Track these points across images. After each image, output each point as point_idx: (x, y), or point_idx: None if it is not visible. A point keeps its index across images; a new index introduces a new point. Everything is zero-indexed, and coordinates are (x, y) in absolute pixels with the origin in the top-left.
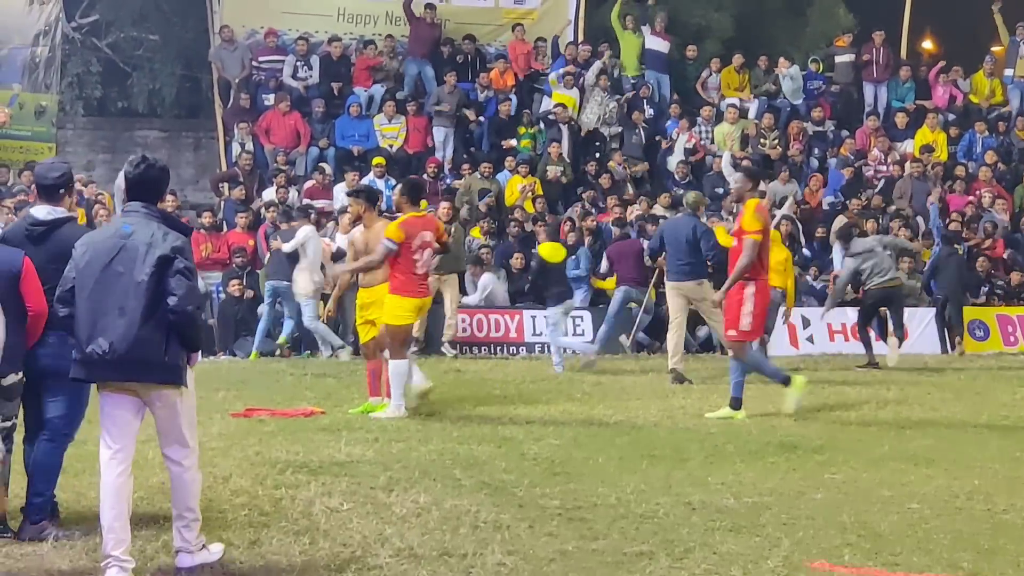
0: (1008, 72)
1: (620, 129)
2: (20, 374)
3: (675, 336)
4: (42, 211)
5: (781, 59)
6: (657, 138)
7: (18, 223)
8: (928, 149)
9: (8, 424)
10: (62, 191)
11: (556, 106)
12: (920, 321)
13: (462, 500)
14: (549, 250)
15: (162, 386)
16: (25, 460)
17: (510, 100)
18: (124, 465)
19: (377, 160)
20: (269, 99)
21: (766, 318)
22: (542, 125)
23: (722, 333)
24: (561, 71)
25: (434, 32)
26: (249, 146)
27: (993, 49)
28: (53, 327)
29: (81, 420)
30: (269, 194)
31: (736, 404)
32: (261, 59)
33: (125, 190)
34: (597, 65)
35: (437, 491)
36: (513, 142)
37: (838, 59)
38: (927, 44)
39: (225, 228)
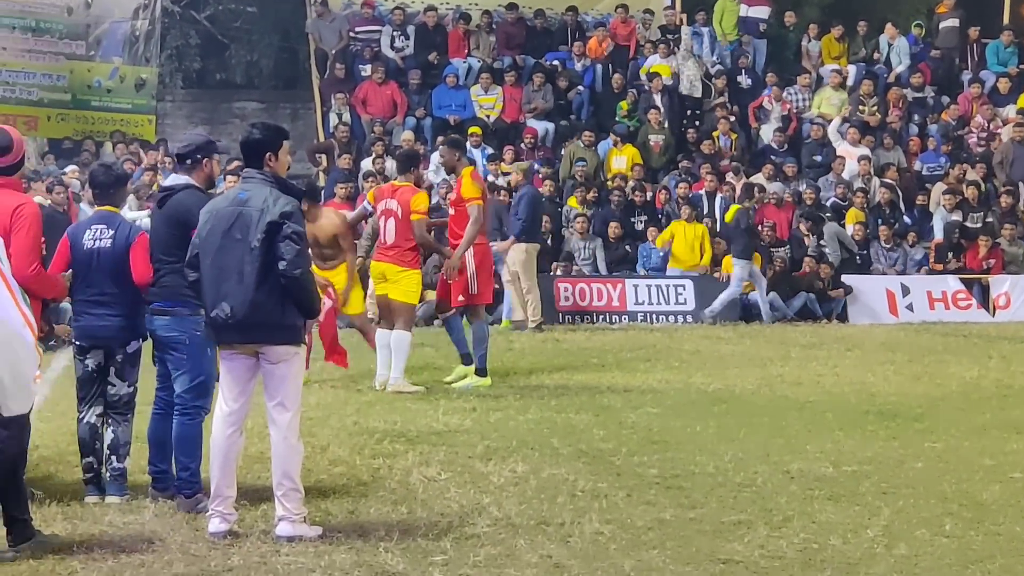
0: None
1: (722, 98)
2: (140, 341)
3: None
4: (170, 178)
5: (889, 26)
6: (752, 106)
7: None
8: None
9: (132, 390)
10: (188, 161)
11: (651, 75)
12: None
13: (560, 469)
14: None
15: (280, 346)
16: (150, 431)
17: (608, 69)
18: (237, 425)
19: (473, 129)
20: (365, 70)
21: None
22: (639, 94)
23: None
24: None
25: (519, 28)
26: (346, 117)
27: None
28: (171, 298)
29: (212, 389)
30: (367, 164)
31: (483, 372)
32: (358, 30)
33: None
34: (687, 31)
35: (535, 460)
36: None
37: (941, 24)
38: None
39: (323, 199)
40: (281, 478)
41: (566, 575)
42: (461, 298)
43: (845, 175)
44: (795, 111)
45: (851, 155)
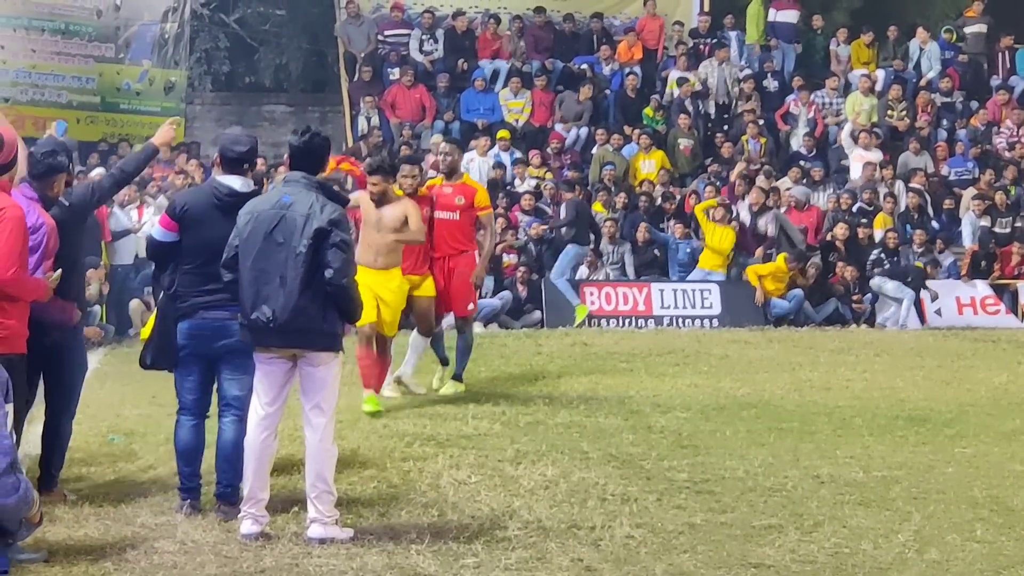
0: None
1: (751, 103)
2: None
3: None
4: (237, 182)
5: (920, 30)
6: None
7: (205, 191)
8: None
9: None
10: (246, 165)
11: (680, 80)
12: None
13: (590, 473)
14: None
15: (320, 351)
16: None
17: (635, 74)
18: (272, 429)
19: (502, 133)
20: (394, 73)
21: None
22: (667, 98)
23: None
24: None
25: (548, 32)
26: (375, 120)
27: None
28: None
29: None
30: None
31: (460, 379)
32: (387, 33)
33: (288, 159)
34: (708, 38)
35: (565, 464)
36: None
37: (968, 29)
38: None
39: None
40: (315, 480)
41: None
42: (471, 307)
43: (857, 180)
44: (821, 115)
45: (864, 159)
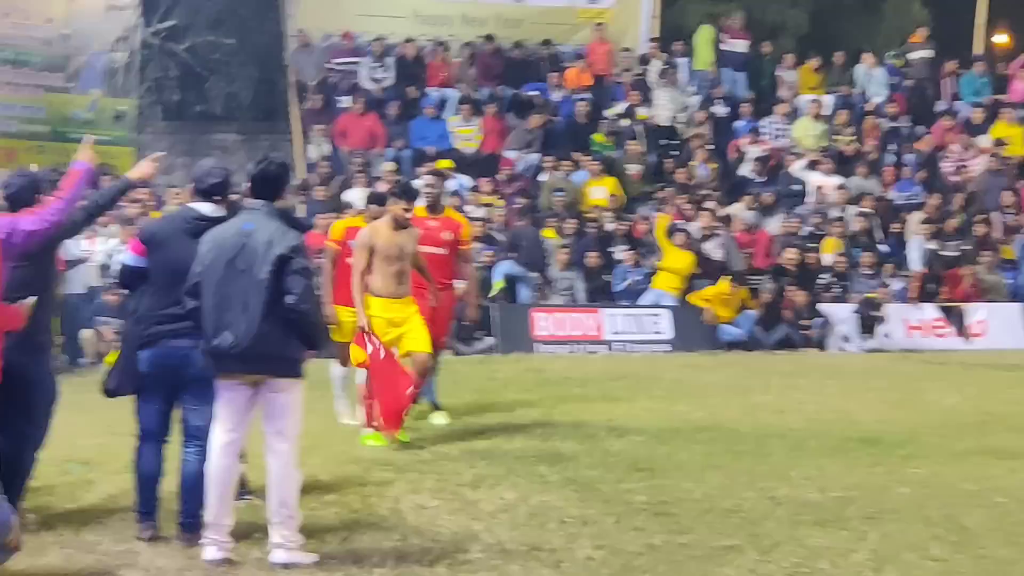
0: None
1: (701, 128)
2: None
3: None
4: (207, 207)
5: (866, 56)
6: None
7: (174, 217)
8: (1001, 143)
9: None
10: (217, 197)
11: (630, 109)
12: (1000, 316)
13: (548, 496)
14: None
15: (282, 378)
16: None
17: (585, 100)
18: (234, 454)
19: (445, 163)
20: (345, 101)
21: None
22: (616, 124)
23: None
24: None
25: (498, 59)
26: (326, 148)
27: None
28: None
29: None
30: (350, 195)
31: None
32: (337, 61)
33: (249, 187)
34: (655, 63)
35: (523, 487)
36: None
37: (913, 55)
38: (1002, 38)
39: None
40: (278, 505)
41: None
42: (445, 339)
43: (820, 204)
44: (774, 146)
45: (827, 185)
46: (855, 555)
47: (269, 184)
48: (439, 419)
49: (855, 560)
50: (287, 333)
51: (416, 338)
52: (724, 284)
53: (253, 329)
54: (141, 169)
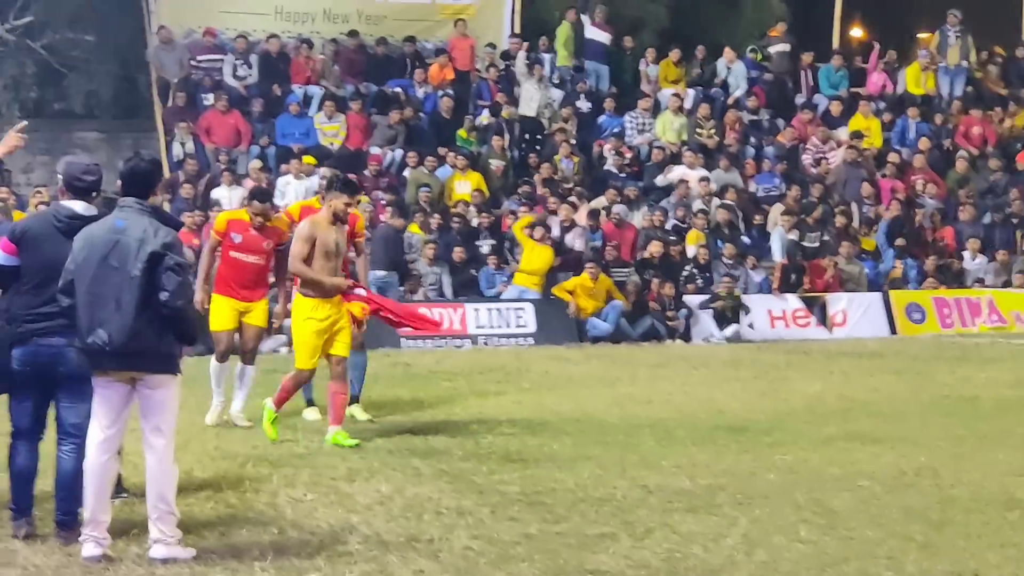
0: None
1: (565, 123)
2: None
3: None
4: (79, 206)
5: (727, 50)
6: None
7: (45, 215)
8: (859, 135)
9: None
10: (93, 193)
11: (495, 105)
12: (860, 305)
13: (423, 488)
14: None
15: (158, 374)
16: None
17: (449, 96)
18: (112, 451)
19: (307, 159)
20: (208, 98)
21: None
22: (482, 121)
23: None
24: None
25: (361, 56)
26: (190, 146)
27: (920, 36)
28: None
29: None
30: (218, 193)
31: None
32: (200, 58)
33: (120, 186)
34: (522, 56)
35: (398, 480)
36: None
37: (772, 49)
38: (856, 32)
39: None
40: (156, 501)
41: None
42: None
43: (680, 197)
44: (636, 142)
45: (691, 178)
46: (727, 540)
47: (140, 181)
48: (311, 415)
49: (727, 544)
50: (161, 329)
51: (344, 342)
52: (585, 276)
53: (127, 326)
54: (7, 143)
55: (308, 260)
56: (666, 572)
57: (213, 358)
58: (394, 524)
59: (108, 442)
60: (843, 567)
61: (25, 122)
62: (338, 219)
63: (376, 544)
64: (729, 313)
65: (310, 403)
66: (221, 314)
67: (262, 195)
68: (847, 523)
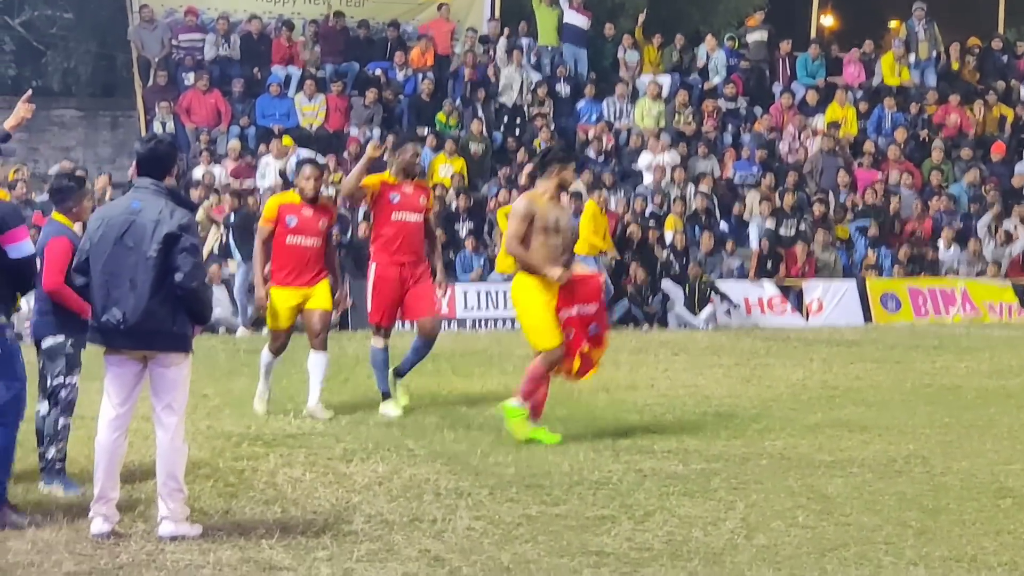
0: (911, 57)
1: (541, 105)
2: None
3: None
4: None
5: (709, 37)
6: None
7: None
8: (835, 125)
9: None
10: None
11: (474, 86)
12: (836, 293)
13: (419, 469)
14: None
15: (170, 352)
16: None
17: (429, 79)
18: (122, 429)
19: (285, 140)
20: (189, 78)
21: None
22: (460, 104)
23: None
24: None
25: (343, 38)
26: (170, 125)
27: (891, 26)
28: None
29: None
30: (198, 173)
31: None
32: (181, 38)
33: (136, 165)
34: (503, 42)
35: (394, 461)
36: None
37: (750, 37)
38: (828, 20)
39: None
40: (166, 478)
41: (447, 568)
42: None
43: (657, 183)
44: (614, 127)
45: (663, 164)
46: (726, 523)
47: (157, 162)
48: (392, 410)
49: (726, 528)
50: (175, 309)
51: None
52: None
53: (142, 305)
54: (16, 115)
55: (526, 241)
56: (669, 555)
57: (266, 347)
58: (396, 504)
59: (119, 420)
60: (843, 552)
61: (30, 90)
62: (562, 191)
63: (380, 524)
64: (702, 288)
65: (386, 396)
66: (280, 311)
67: (311, 161)
68: (843, 509)
